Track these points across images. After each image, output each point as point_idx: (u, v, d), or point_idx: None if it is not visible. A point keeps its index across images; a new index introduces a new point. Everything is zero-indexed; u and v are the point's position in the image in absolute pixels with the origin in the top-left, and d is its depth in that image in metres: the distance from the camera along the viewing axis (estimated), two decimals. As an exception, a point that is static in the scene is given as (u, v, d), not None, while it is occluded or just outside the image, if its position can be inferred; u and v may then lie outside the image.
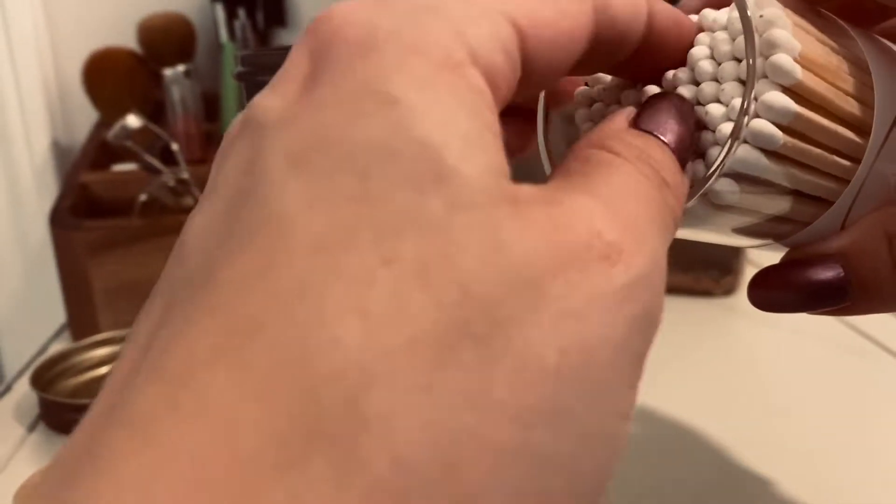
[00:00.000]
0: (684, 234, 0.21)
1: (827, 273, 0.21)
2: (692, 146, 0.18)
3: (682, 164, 0.17)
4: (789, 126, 0.18)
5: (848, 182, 0.20)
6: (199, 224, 0.14)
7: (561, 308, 0.12)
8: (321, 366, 0.11)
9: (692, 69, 0.19)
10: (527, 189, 0.14)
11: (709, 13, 0.20)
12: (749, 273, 0.23)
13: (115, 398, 0.12)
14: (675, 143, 0.17)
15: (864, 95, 0.20)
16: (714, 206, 0.19)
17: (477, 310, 0.12)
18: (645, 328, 0.13)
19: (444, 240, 0.12)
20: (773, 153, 0.18)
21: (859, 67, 0.20)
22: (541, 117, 0.21)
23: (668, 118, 0.17)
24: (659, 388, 0.44)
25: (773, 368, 0.47)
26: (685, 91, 0.19)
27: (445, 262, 0.12)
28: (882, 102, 0.20)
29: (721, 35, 0.19)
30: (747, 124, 0.18)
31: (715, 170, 0.18)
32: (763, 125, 0.18)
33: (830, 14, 0.21)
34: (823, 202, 0.20)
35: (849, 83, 0.20)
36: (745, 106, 0.18)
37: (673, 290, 0.57)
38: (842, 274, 0.21)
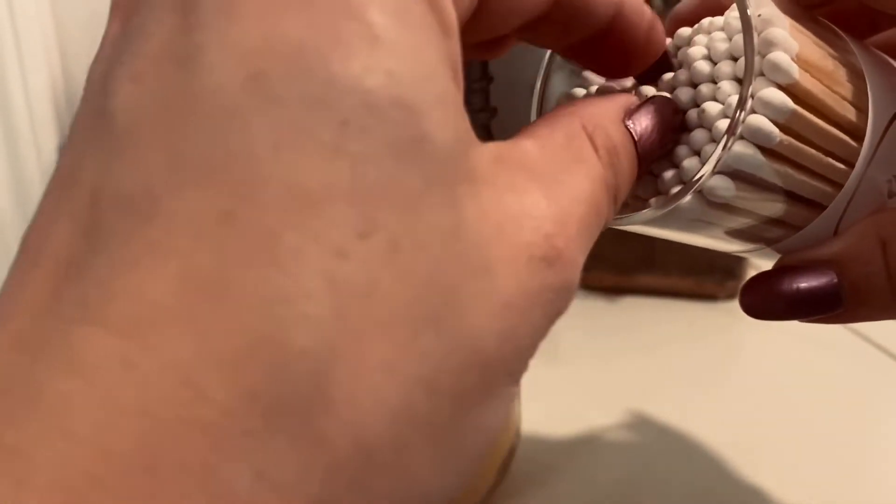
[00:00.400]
0: (677, 236, 0.21)
1: (820, 279, 0.21)
2: (653, 162, 0.19)
3: (638, 176, 0.18)
4: (786, 124, 0.18)
5: (842, 186, 0.20)
6: (131, 100, 0.12)
7: (504, 300, 0.13)
8: (290, 341, 0.11)
9: (688, 69, 0.19)
10: (486, 160, 0.14)
11: (705, 20, 0.20)
12: (752, 277, 0.23)
13: (36, 325, 0.11)
14: (644, 156, 0.17)
15: (858, 101, 0.20)
16: (709, 204, 0.19)
17: (438, 296, 0.12)
18: (549, 328, 0.14)
19: (417, 218, 0.12)
20: (769, 151, 0.18)
21: (854, 73, 0.20)
22: (535, 105, 0.21)
23: (655, 129, 0.18)
24: (661, 392, 0.43)
25: (776, 373, 0.47)
26: (681, 94, 0.19)
27: (416, 245, 0.12)
28: (876, 109, 0.20)
29: (718, 34, 0.19)
30: (744, 120, 0.18)
31: (714, 165, 0.18)
32: (760, 121, 0.18)
33: (826, 21, 0.21)
34: (817, 206, 0.20)
35: (844, 87, 0.20)
36: (742, 100, 0.18)
37: (676, 293, 0.57)
38: (835, 280, 0.21)
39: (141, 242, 0.11)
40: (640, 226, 0.20)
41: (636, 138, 0.17)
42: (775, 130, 0.18)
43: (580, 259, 0.15)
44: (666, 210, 0.18)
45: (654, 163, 0.19)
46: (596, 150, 0.16)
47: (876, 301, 0.21)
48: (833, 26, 0.21)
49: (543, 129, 0.16)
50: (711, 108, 0.18)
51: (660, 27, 0.19)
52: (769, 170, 0.19)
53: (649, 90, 0.20)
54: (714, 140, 0.18)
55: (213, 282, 0.11)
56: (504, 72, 0.33)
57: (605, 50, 0.18)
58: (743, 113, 0.18)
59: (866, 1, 0.21)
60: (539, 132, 0.16)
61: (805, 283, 0.21)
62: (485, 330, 0.13)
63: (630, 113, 0.17)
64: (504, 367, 0.13)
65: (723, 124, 0.18)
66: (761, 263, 0.23)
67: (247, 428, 0.10)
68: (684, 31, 0.21)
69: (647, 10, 0.19)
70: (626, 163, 0.17)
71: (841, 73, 0.20)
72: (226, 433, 0.10)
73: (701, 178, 0.18)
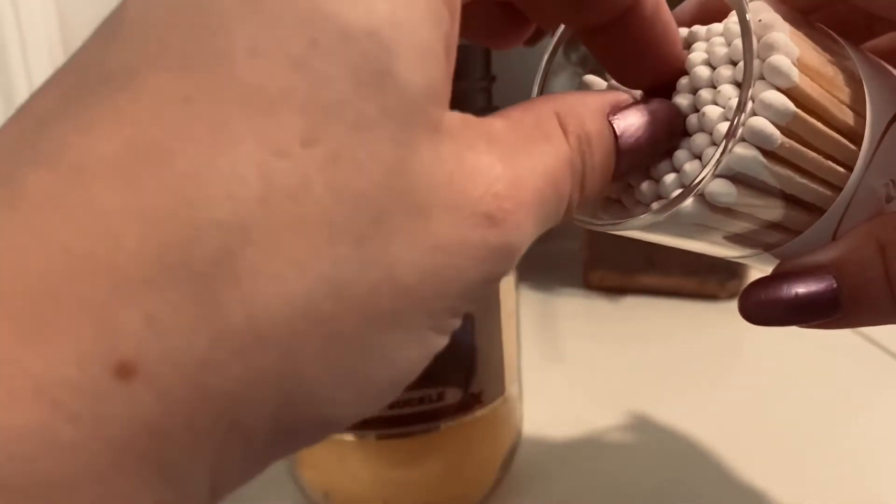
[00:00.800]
0: (676, 242, 0.21)
1: (819, 284, 0.21)
2: (643, 166, 0.19)
3: (619, 176, 0.18)
4: (787, 127, 0.18)
5: (840, 190, 0.20)
6: (143, 3, 0.13)
7: (436, 242, 0.14)
8: (210, 212, 0.12)
9: (688, 74, 0.19)
10: (455, 120, 0.15)
11: (703, 27, 0.20)
12: (754, 277, 0.22)
13: None
14: (628, 152, 0.18)
15: (856, 105, 0.20)
16: (710, 208, 0.19)
17: (366, 215, 0.13)
18: (485, 287, 0.15)
19: (363, 142, 0.13)
20: (770, 154, 0.18)
21: (852, 78, 0.20)
22: (539, 82, 0.21)
23: (644, 129, 0.18)
24: (663, 392, 0.44)
25: (778, 373, 0.47)
26: (682, 99, 0.19)
27: (355, 164, 0.13)
28: (873, 114, 0.20)
29: (717, 39, 0.19)
30: (744, 122, 0.18)
31: (714, 167, 0.18)
32: (762, 123, 0.18)
33: (823, 27, 0.21)
34: (816, 210, 0.20)
35: (842, 92, 0.20)
36: (742, 103, 0.18)
37: (678, 293, 0.57)
38: (834, 285, 0.20)
39: (106, 107, 0.12)
40: (641, 231, 0.20)
41: (618, 133, 0.17)
42: (776, 133, 0.18)
43: (528, 229, 0.15)
44: (667, 214, 0.18)
45: (652, 165, 0.19)
46: (566, 134, 0.16)
47: (875, 306, 0.21)
48: (830, 32, 0.21)
49: (515, 112, 0.16)
50: (712, 111, 0.18)
51: (677, 38, 0.19)
52: (770, 173, 0.19)
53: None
54: (715, 143, 0.18)
55: (157, 149, 0.12)
56: (506, 72, 0.33)
57: (618, 45, 0.18)
58: (743, 115, 0.18)
59: (861, 4, 0.21)
60: (510, 114, 0.16)
61: (803, 289, 0.21)
62: (408, 262, 0.13)
63: (617, 109, 0.18)
64: (422, 304, 0.14)
65: (724, 127, 0.18)
66: (760, 268, 0.23)
67: (148, 277, 0.11)
68: (682, 31, 0.21)
69: (666, 13, 0.19)
70: (600, 154, 0.17)
71: (839, 78, 0.20)
72: (128, 277, 0.11)
73: (702, 180, 0.18)
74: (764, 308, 0.21)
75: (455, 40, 0.15)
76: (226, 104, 0.12)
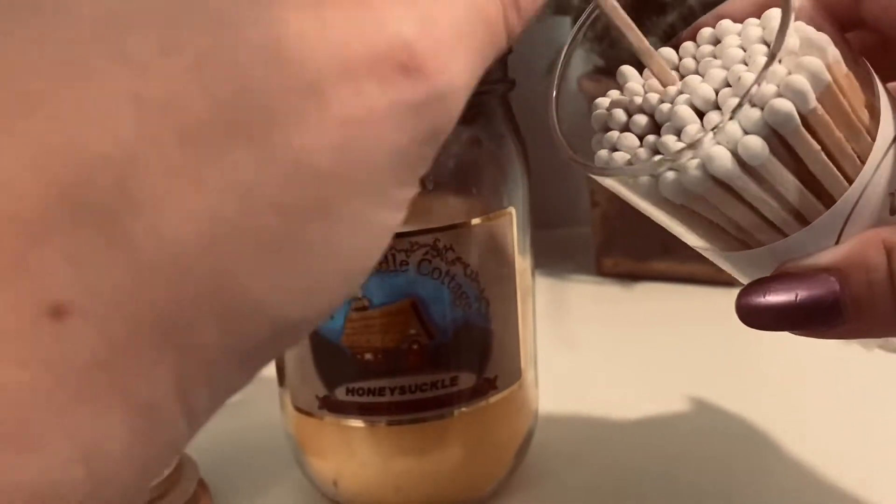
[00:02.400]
0: (684, 216, 0.21)
1: (821, 288, 0.19)
2: None
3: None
4: (819, 98, 0.18)
5: (853, 182, 0.20)
6: None
7: (343, 114, 0.13)
8: (95, 148, 0.11)
9: (721, 54, 0.20)
10: None
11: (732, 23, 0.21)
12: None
13: None
14: None
15: (872, 110, 0.20)
16: (740, 165, 0.18)
17: (253, 109, 0.12)
18: (427, 142, 0.14)
19: (224, 36, 0.12)
20: (803, 119, 0.18)
21: (871, 88, 0.20)
22: (556, 79, 0.21)
23: None
24: (678, 379, 0.43)
25: (794, 358, 0.46)
26: (716, 72, 0.19)
27: (225, 58, 0.12)
28: (885, 122, 0.20)
29: (753, 20, 0.20)
30: (777, 50, 0.18)
31: (744, 96, 0.18)
32: (799, 80, 0.18)
33: (848, 40, 0.21)
34: (827, 201, 0.20)
35: (860, 97, 0.20)
36: (774, 48, 0.18)
37: (694, 280, 0.56)
38: (837, 289, 0.19)
39: None
40: (648, 203, 0.20)
41: None
42: (812, 92, 0.18)
43: (460, 65, 0.14)
44: (699, 157, 0.18)
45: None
46: None
47: (879, 312, 0.19)
48: (851, 44, 0.21)
49: None
50: (747, 78, 0.19)
51: None
52: (800, 139, 0.18)
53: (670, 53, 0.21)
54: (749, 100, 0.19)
55: (26, 96, 0.11)
56: (522, 44, 0.32)
57: None
58: (772, 64, 0.18)
59: (875, 23, 0.21)
60: None
61: (805, 292, 0.20)
62: (314, 145, 0.12)
63: None
64: (346, 183, 0.13)
65: (766, 89, 0.18)
66: (760, 273, 0.22)
67: (55, 221, 0.11)
68: (707, 30, 0.21)
69: None
70: None
71: (858, 84, 0.20)
72: (36, 225, 0.11)
73: (734, 114, 0.18)
74: (763, 310, 0.20)
75: None
76: (81, 40, 0.12)
